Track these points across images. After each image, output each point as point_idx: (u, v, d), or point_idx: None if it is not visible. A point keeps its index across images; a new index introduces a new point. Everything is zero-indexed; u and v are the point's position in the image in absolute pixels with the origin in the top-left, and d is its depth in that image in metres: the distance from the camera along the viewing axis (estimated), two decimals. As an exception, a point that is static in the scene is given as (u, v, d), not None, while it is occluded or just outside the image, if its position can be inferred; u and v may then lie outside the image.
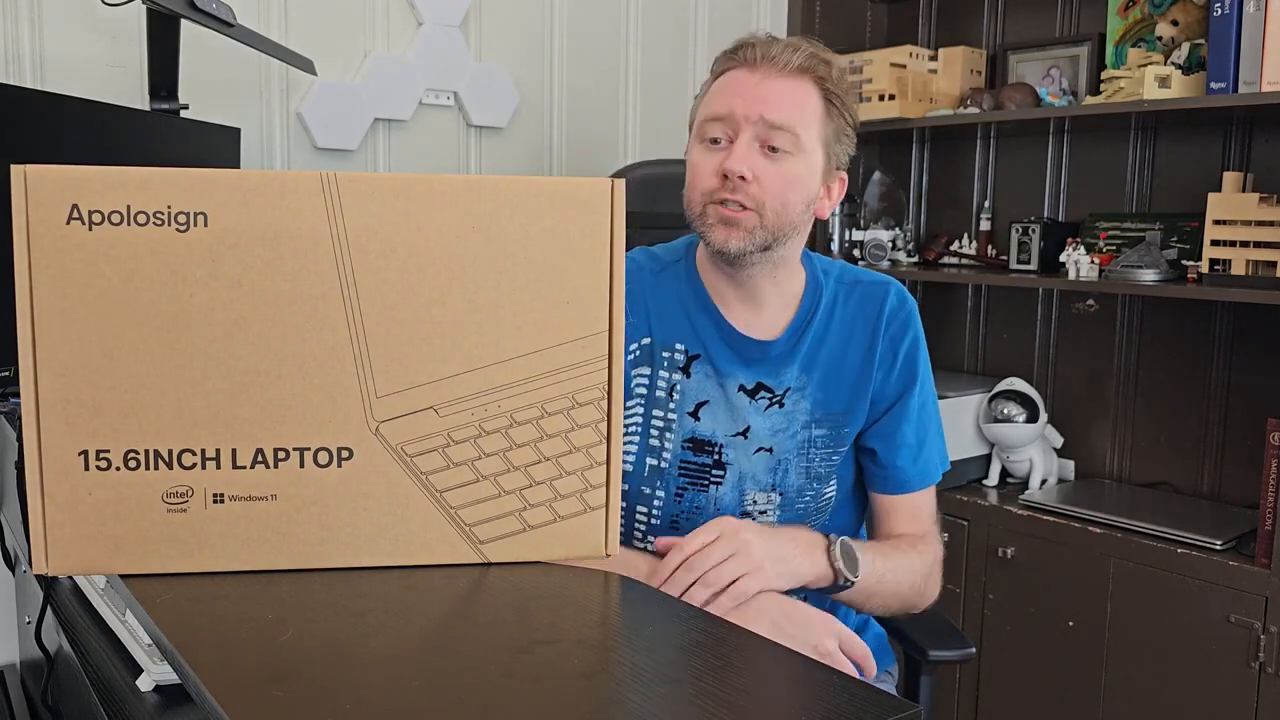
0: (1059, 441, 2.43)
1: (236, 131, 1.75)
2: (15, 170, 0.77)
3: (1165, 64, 2.08)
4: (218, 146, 1.71)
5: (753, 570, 1.02)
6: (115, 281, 0.79)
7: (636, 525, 1.25)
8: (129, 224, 0.79)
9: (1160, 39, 2.16)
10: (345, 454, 0.84)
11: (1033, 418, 2.28)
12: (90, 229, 0.78)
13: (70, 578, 1.22)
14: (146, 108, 1.64)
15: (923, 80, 2.47)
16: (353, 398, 0.83)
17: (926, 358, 1.26)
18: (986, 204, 2.60)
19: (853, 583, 1.09)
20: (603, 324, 0.86)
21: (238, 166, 1.77)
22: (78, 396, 0.80)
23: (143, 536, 0.82)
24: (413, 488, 0.85)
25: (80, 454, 0.81)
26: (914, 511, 1.26)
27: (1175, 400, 2.29)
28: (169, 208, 0.79)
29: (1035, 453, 2.32)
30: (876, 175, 2.75)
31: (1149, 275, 2.09)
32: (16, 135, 1.35)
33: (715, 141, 1.15)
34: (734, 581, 1.01)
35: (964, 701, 2.28)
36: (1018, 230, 2.36)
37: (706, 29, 2.54)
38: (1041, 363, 2.52)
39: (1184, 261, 2.14)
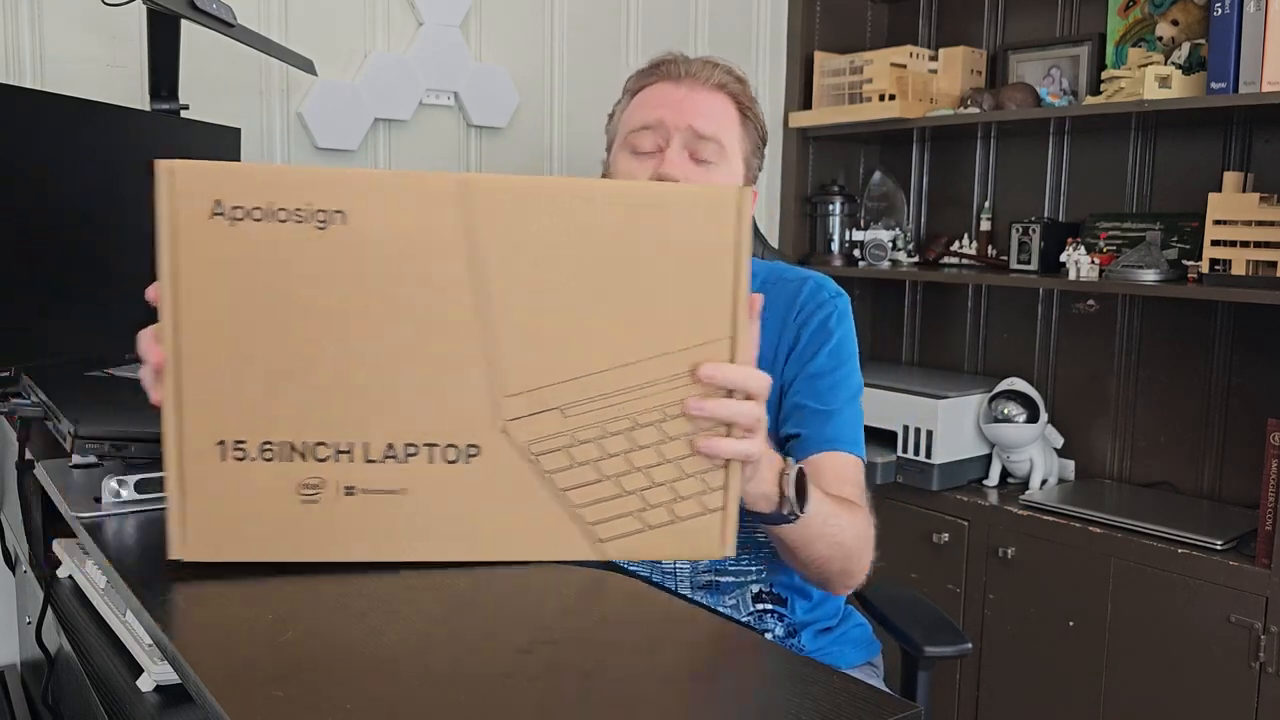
0: (1059, 441, 2.43)
1: (236, 131, 1.75)
2: (161, 165, 0.78)
3: (1165, 64, 2.08)
4: (218, 146, 1.71)
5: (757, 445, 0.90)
6: (255, 276, 0.80)
7: None
8: (270, 220, 0.79)
9: (1160, 39, 2.16)
10: (473, 451, 0.85)
11: (1033, 418, 2.28)
12: (232, 224, 0.79)
13: (70, 577, 1.23)
14: (146, 108, 1.64)
15: (923, 80, 2.47)
16: (482, 396, 0.84)
17: (842, 348, 1.22)
18: (986, 204, 2.60)
19: (796, 516, 0.98)
20: (726, 330, 0.86)
21: (238, 166, 1.77)
22: (216, 387, 0.81)
23: (275, 525, 0.84)
24: (537, 486, 0.86)
25: (218, 444, 0.82)
26: (836, 473, 1.15)
27: (1175, 400, 2.29)
28: (309, 205, 0.80)
29: (1035, 453, 2.32)
30: (876, 175, 2.75)
31: (1149, 275, 2.09)
32: (16, 135, 1.35)
33: (645, 151, 1.19)
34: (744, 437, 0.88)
35: (964, 702, 2.28)
36: (1018, 230, 2.36)
37: (707, 29, 2.54)
38: (1041, 363, 2.52)
39: (1184, 261, 2.14)
